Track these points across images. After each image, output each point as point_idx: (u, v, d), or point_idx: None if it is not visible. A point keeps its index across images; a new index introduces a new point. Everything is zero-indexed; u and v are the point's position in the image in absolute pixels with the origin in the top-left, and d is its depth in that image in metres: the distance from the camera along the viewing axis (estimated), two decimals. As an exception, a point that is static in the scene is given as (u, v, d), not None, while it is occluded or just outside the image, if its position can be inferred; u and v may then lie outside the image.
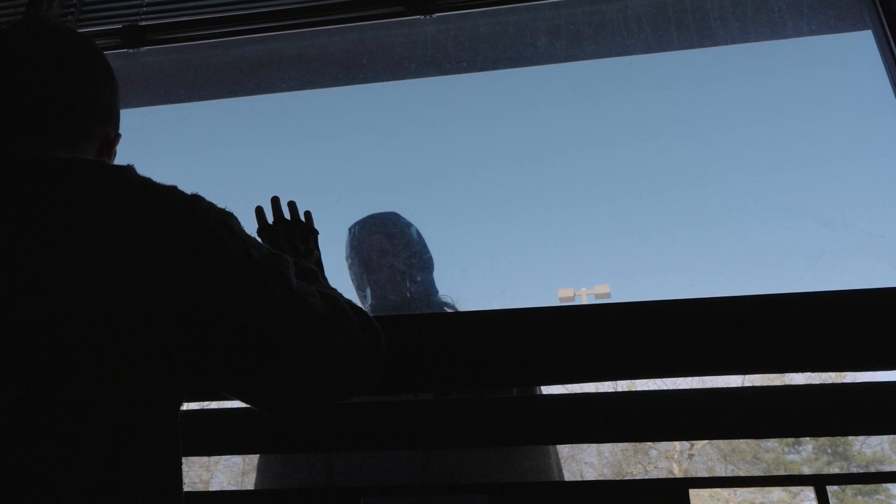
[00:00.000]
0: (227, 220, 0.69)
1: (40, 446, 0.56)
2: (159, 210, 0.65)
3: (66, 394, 0.57)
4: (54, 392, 0.57)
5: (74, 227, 0.61)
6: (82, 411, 0.57)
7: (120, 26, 1.73)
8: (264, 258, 0.70)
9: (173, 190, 0.68)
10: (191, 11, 1.72)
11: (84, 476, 0.57)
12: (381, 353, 0.77)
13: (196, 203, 0.68)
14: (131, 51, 1.74)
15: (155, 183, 0.68)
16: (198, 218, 0.66)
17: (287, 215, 1.08)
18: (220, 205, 0.71)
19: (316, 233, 1.07)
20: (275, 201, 1.08)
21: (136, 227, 0.63)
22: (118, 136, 0.84)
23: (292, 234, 1.02)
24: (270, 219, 1.08)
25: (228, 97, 1.79)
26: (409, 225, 1.46)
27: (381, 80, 1.73)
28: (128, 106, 1.80)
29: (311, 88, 1.78)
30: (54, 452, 0.56)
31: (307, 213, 1.09)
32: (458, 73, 1.69)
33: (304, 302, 0.70)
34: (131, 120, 1.79)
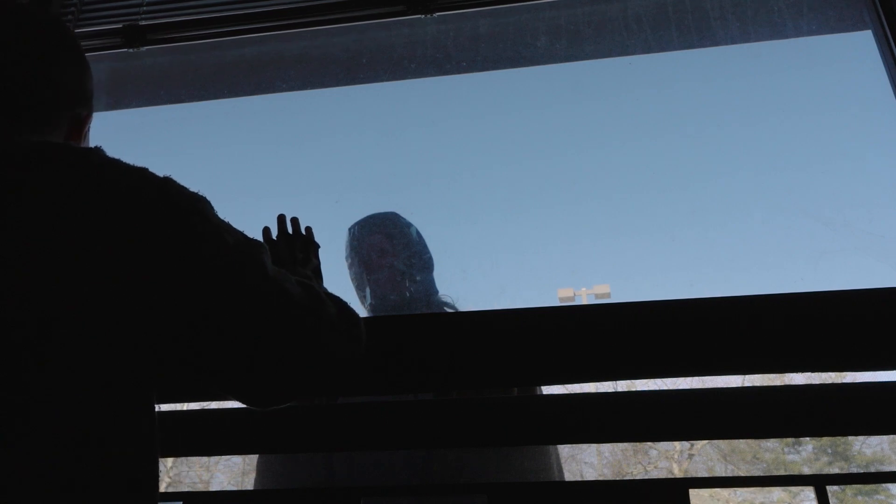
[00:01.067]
0: (199, 205, 0.68)
1: (22, 444, 0.55)
2: (130, 195, 0.63)
3: (46, 392, 0.56)
4: (34, 390, 0.56)
5: (44, 214, 0.59)
6: (63, 409, 0.57)
7: (120, 26, 1.72)
8: (239, 243, 0.69)
9: (143, 173, 0.67)
10: (191, 11, 1.72)
11: (68, 473, 0.56)
12: (361, 343, 0.76)
13: (167, 187, 0.67)
14: (131, 51, 1.74)
15: (125, 165, 0.66)
16: (169, 203, 0.65)
17: (290, 231, 1.11)
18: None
19: (316, 245, 1.09)
20: (280, 219, 1.11)
21: (106, 213, 0.61)
22: (89, 115, 0.83)
23: (293, 245, 1.05)
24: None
25: (228, 97, 1.79)
26: (409, 225, 1.47)
27: (381, 80, 1.73)
28: (128, 106, 1.80)
29: (311, 88, 1.78)
30: (37, 451, 0.55)
31: (308, 228, 1.13)
32: (458, 73, 1.68)
33: (280, 287, 0.69)
34: (131, 120, 1.80)
